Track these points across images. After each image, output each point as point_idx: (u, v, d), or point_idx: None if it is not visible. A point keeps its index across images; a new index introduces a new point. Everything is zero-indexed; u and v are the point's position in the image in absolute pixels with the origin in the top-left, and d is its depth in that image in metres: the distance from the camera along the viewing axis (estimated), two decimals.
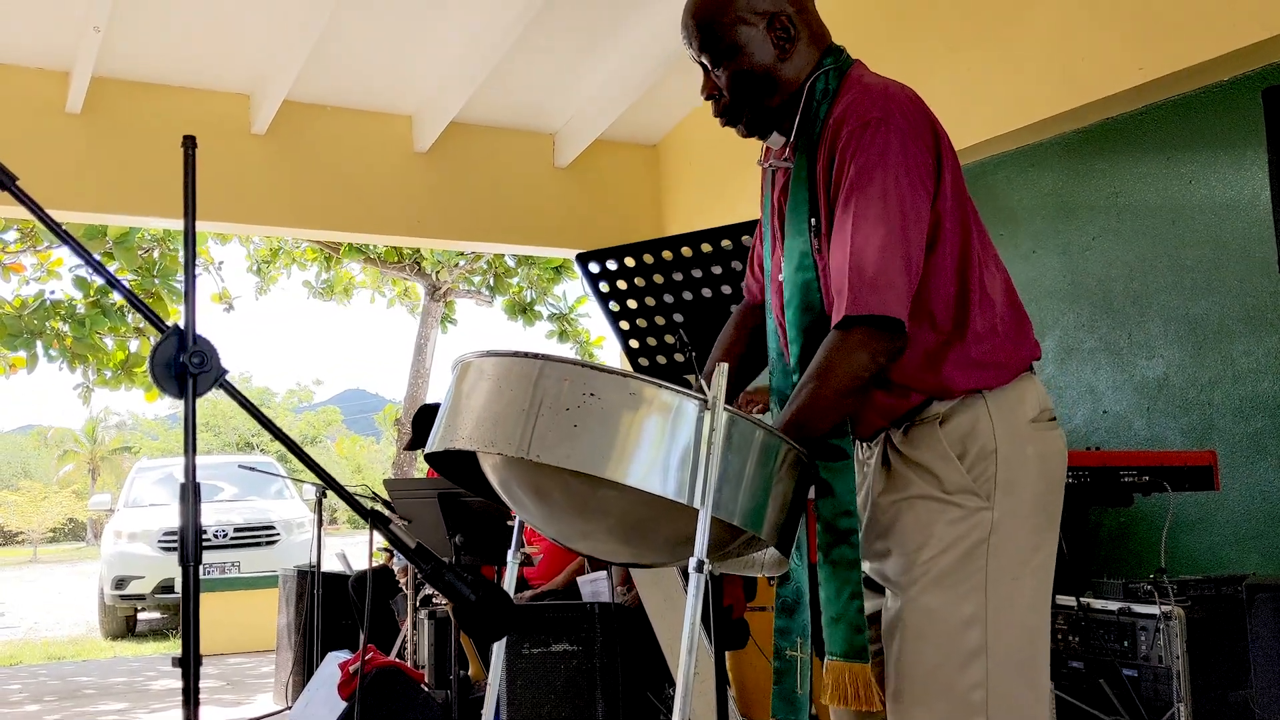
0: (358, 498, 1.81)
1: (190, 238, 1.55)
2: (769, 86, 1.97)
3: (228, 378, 1.58)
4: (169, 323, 1.53)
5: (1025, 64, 4.55)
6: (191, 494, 1.49)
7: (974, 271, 1.89)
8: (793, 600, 1.98)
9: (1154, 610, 3.25)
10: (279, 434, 1.68)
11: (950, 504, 1.84)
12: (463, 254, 11.65)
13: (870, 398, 1.90)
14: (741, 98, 1.98)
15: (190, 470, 1.51)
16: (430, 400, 12.72)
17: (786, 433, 1.75)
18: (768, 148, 2.08)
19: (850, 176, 1.81)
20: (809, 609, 1.93)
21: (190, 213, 1.53)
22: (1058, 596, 3.54)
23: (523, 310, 12.18)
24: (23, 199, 1.48)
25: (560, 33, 5.75)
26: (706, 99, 2.04)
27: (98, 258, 1.60)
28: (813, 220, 1.90)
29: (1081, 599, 3.49)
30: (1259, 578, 3.42)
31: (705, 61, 1.99)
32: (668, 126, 6.96)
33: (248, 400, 1.63)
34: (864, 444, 2.01)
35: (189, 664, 1.41)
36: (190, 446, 1.51)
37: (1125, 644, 3.33)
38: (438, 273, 12.28)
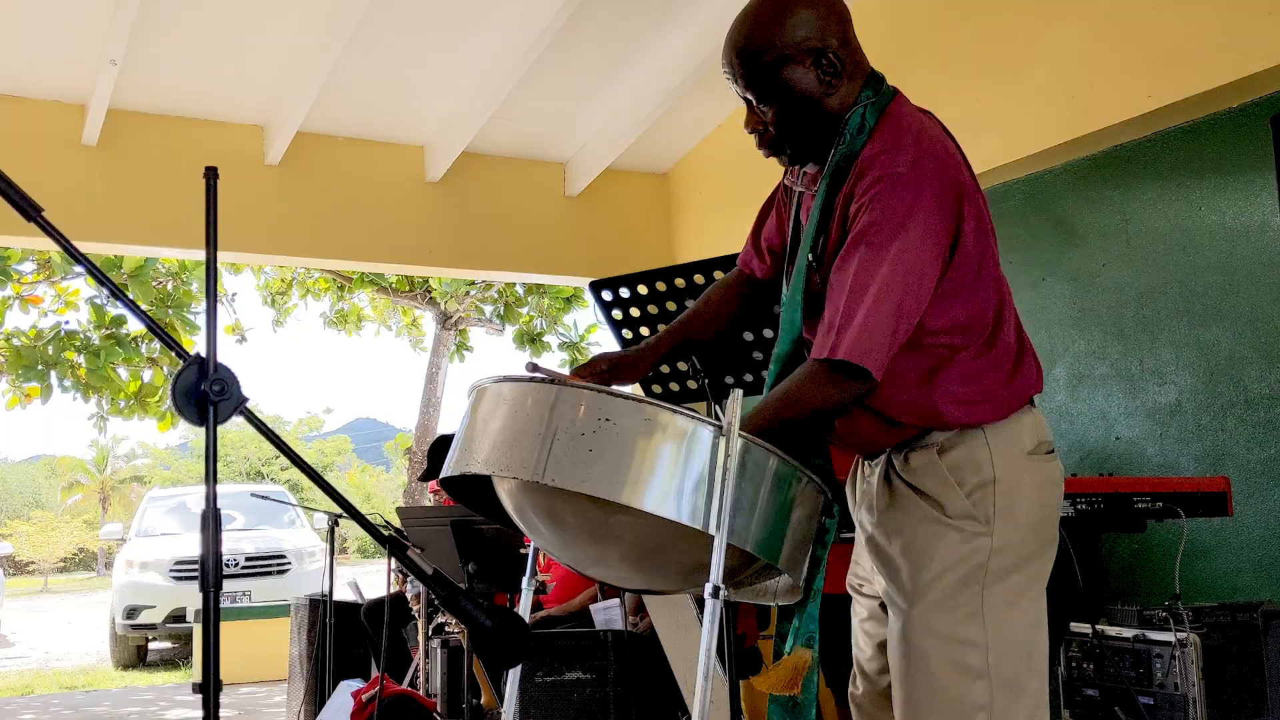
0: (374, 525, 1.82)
1: (212, 267, 1.57)
2: (815, 120, 1.94)
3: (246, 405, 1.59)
4: (189, 352, 1.55)
5: (1034, 91, 4.57)
6: (212, 521, 1.51)
7: (1006, 310, 1.95)
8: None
9: (1169, 637, 3.23)
10: (297, 460, 1.70)
11: (952, 528, 1.87)
12: (473, 283, 11.68)
13: (874, 426, 1.93)
14: (787, 133, 1.95)
15: (211, 497, 1.52)
16: (442, 430, 12.72)
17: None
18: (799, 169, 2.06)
19: (864, 225, 1.81)
20: (816, 620, 1.92)
21: (212, 242, 1.55)
22: (1072, 624, 3.53)
23: (531, 340, 12.19)
24: (49, 230, 1.50)
25: (571, 63, 5.80)
26: (750, 132, 2.00)
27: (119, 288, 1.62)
28: (810, 256, 1.92)
29: (1096, 626, 3.47)
30: (1274, 604, 3.41)
31: (750, 97, 1.95)
32: (677, 155, 7.00)
33: (267, 427, 1.65)
34: (866, 462, 2.03)
35: (209, 689, 1.42)
36: (211, 474, 1.53)
37: (1140, 671, 3.31)
38: (446, 302, 12.31)
